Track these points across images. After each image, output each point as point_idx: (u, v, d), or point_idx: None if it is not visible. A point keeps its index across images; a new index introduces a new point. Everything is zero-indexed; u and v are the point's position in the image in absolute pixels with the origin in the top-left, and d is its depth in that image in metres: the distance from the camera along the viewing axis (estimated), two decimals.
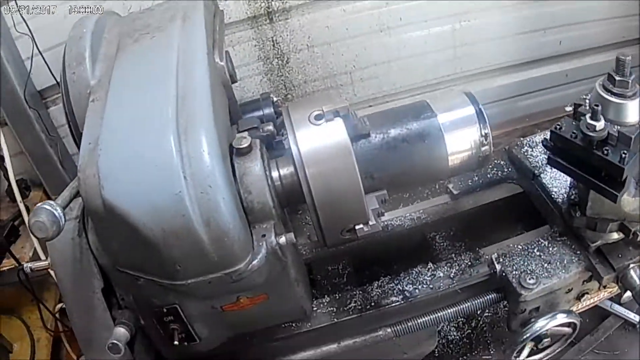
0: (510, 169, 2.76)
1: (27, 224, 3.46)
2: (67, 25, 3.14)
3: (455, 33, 3.62)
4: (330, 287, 2.72)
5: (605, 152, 1.83)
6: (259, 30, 3.39)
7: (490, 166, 2.73)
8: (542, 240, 2.40)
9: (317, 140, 1.77)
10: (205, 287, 1.76)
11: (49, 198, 3.77)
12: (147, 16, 2.25)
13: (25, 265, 2.21)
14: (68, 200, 1.73)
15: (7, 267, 3.56)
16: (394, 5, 3.39)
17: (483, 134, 1.96)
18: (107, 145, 1.66)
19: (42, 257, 3.54)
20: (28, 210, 3.64)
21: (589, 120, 1.85)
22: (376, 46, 3.54)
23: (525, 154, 2.64)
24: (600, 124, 1.83)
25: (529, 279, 2.23)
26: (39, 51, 3.30)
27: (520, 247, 2.40)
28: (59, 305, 3.97)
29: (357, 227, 1.84)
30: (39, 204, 1.63)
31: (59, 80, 3.33)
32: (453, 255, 2.61)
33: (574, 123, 1.96)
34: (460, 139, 1.96)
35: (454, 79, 3.84)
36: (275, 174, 1.88)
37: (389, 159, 1.94)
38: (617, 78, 1.85)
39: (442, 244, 2.80)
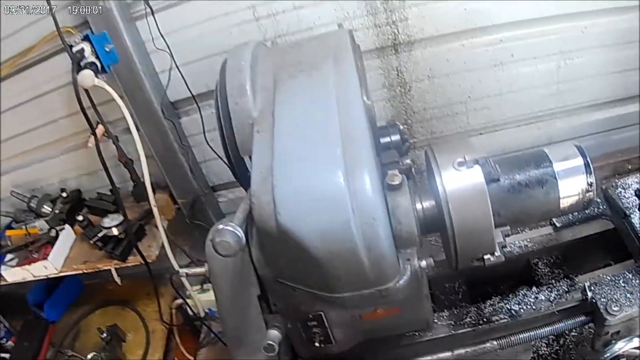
0: (605, 207, 2.98)
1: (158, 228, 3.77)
2: (201, 43, 3.56)
3: (560, 70, 3.78)
4: (447, 303, 3.02)
5: None
6: (385, 60, 3.63)
7: None
8: (627, 273, 2.63)
9: (460, 183, 2.01)
10: (356, 299, 2.02)
11: (174, 201, 4.15)
12: (297, 51, 2.48)
13: (180, 271, 2.45)
14: (242, 221, 1.94)
15: (133, 264, 3.80)
16: (507, 43, 3.58)
17: (589, 182, 2.17)
18: (281, 177, 1.91)
19: (171, 257, 3.86)
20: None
21: None
22: (490, 79, 3.73)
23: (619, 194, 2.84)
24: None
25: (614, 307, 2.45)
26: (177, 66, 3.58)
27: (609, 278, 2.62)
28: (177, 301, 4.28)
29: (485, 256, 2.09)
30: (220, 225, 1.83)
31: (194, 94, 3.70)
32: (553, 280, 2.92)
33: None
34: (571, 186, 2.18)
35: (556, 112, 4.01)
36: (419, 206, 2.12)
37: (513, 200, 2.18)
38: None
39: (543, 270, 3.03)
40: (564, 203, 2.21)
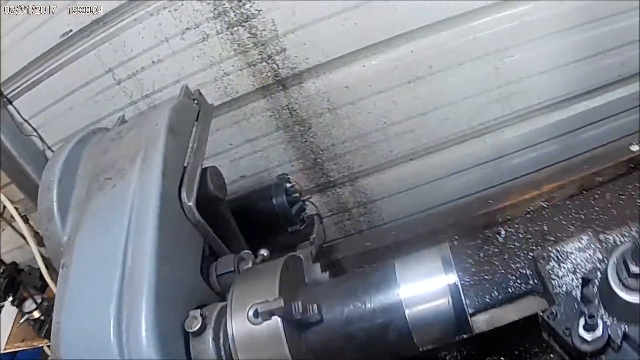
0: (537, 282, 2.58)
1: None
2: (72, 117, 3.71)
3: (499, 72, 3.59)
4: None
5: None
6: (273, 99, 3.61)
7: (515, 277, 2.68)
8: None
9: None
10: None
11: None
12: (115, 147, 2.49)
13: None
14: None
15: None
16: (420, 53, 3.44)
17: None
18: (64, 321, 1.99)
19: None
20: None
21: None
22: (408, 99, 3.61)
23: (551, 272, 2.40)
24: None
25: None
26: (49, 147, 3.82)
27: None
28: None
29: None
30: None
31: None
32: None
33: None
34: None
35: (503, 122, 3.84)
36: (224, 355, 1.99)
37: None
38: None
39: None
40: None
